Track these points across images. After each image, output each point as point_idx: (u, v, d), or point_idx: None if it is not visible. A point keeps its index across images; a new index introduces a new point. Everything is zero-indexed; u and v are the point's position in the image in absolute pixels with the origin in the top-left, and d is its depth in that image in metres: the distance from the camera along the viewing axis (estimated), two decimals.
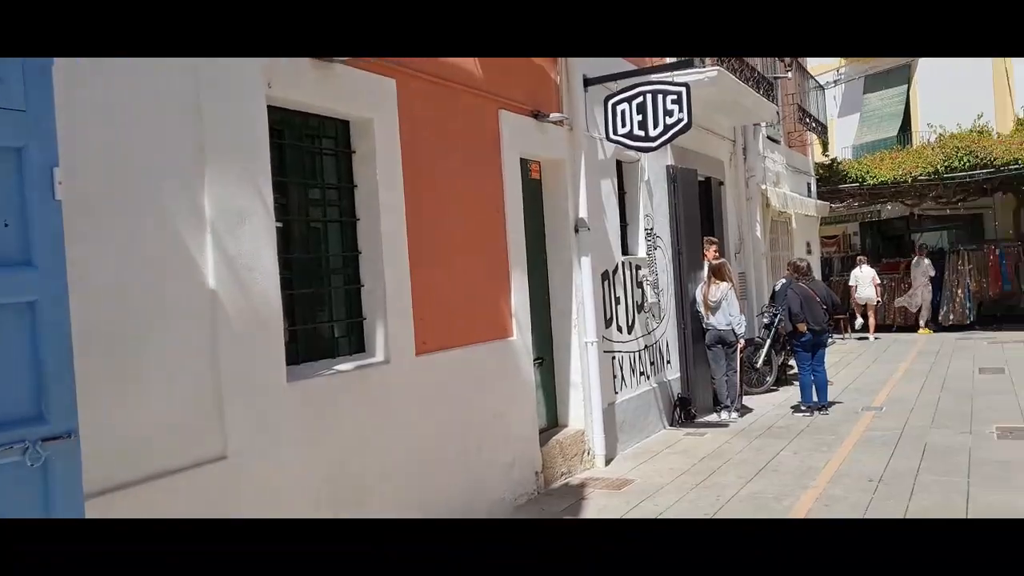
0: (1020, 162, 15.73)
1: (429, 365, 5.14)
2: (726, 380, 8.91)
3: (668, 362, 8.84)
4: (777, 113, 13.52)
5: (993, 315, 18.49)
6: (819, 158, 18.91)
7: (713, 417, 8.95)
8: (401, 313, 4.93)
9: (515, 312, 6.07)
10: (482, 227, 5.84)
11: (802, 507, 5.56)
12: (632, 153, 8.17)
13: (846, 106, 22.31)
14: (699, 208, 9.84)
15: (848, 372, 12.21)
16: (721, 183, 10.95)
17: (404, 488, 4.85)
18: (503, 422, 5.85)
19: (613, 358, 7.62)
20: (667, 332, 8.85)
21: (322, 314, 4.74)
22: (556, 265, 7.07)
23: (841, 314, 17.94)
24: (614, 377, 7.60)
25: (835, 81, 21.65)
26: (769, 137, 13.37)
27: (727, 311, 8.85)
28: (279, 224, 4.30)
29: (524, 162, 6.69)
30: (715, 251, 9.38)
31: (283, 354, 4.06)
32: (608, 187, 7.73)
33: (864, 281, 16.58)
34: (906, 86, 20.91)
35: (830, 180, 17.74)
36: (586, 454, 6.96)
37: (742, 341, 9.01)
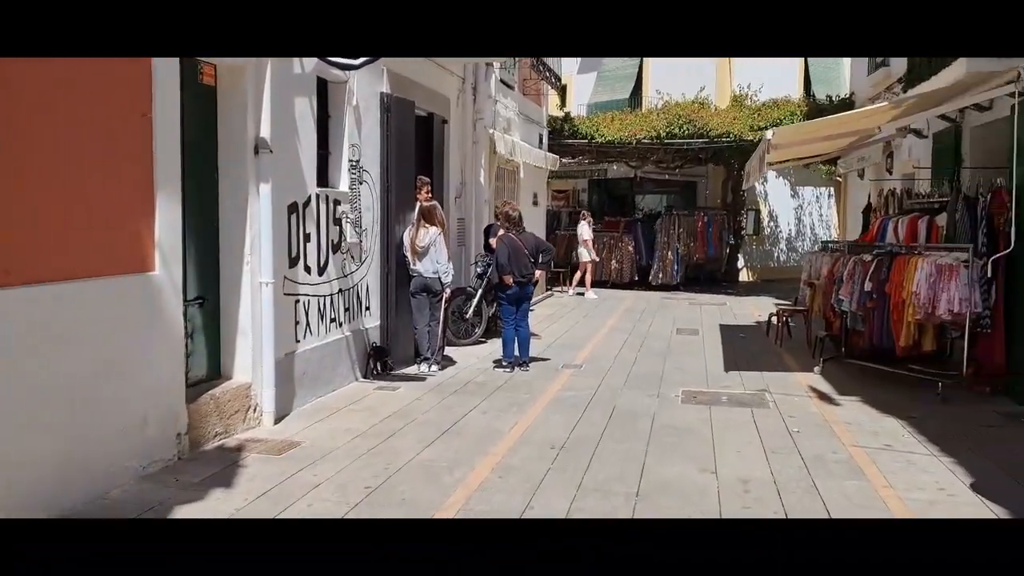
0: (732, 135, 16.66)
1: (15, 301, 3.96)
2: (428, 331, 8.35)
3: (367, 309, 8.09)
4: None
5: (697, 277, 19.78)
6: (556, 112, 18.98)
7: (412, 369, 8.38)
8: None
9: (160, 242, 4.96)
10: (117, 132, 4.65)
11: (474, 479, 5.06)
12: (338, 72, 7.24)
13: (586, 64, 22.62)
14: (416, 145, 9.13)
15: (559, 327, 12.23)
16: (445, 121, 10.27)
17: None
18: (133, 374, 4.77)
19: (297, 302, 6.72)
20: (368, 276, 8.08)
21: None
22: (229, 190, 6.00)
23: (562, 268, 18.34)
24: (296, 323, 6.72)
25: None
26: (502, 81, 12.91)
27: (435, 258, 8.26)
28: None
29: (193, 62, 5.54)
30: (428, 192, 8.73)
31: None
32: (305, 107, 6.74)
33: (579, 238, 16.89)
34: None
35: (562, 134, 17.82)
36: (252, 411, 6.05)
37: (448, 291, 8.46)
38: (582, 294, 16.66)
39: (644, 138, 17.29)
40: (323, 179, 7.30)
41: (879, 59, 13.25)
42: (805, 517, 4.51)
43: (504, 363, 8.63)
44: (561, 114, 18.81)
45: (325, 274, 7.19)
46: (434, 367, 8.32)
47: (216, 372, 6.04)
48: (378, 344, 8.14)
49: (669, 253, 18.68)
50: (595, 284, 17.36)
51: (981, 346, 7.52)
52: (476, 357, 9.31)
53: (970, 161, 9.12)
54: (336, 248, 7.38)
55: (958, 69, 7.53)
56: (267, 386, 6.12)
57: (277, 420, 6.22)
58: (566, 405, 7.11)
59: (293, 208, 6.61)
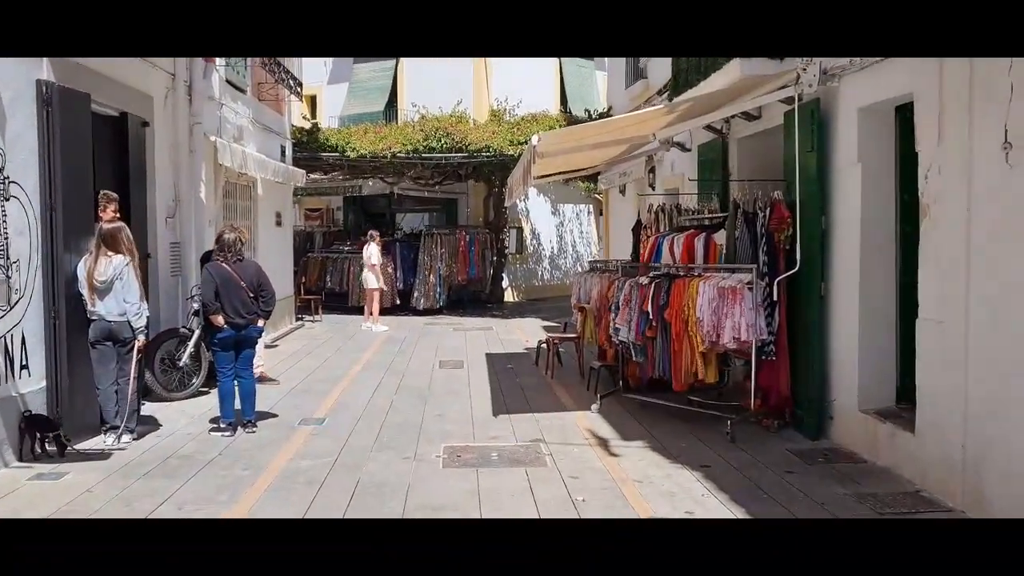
0: (492, 150, 15.77)
1: None
2: (115, 391, 6.40)
3: (23, 367, 6.01)
4: None
5: (461, 300, 18.71)
6: (303, 123, 17.22)
7: (98, 442, 6.39)
8: None
9: None
10: None
11: None
12: None
13: (336, 74, 20.98)
14: (105, 151, 7.23)
15: (305, 365, 10.52)
16: (146, 124, 8.31)
17: None
18: None
19: None
20: (24, 323, 6.01)
21: None
22: None
23: (314, 294, 16.61)
24: None
25: None
26: (229, 82, 11.03)
27: (121, 295, 6.35)
28: None
29: None
30: (114, 211, 6.79)
31: None
32: None
33: (367, 262, 15.03)
34: (394, 62, 20.19)
35: (309, 147, 16.09)
36: None
37: (141, 338, 6.53)
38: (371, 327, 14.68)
39: (400, 152, 15.97)
40: None
41: (640, 64, 12.82)
42: None
43: (223, 424, 6.86)
44: (308, 125, 17.05)
45: None
46: (125, 437, 6.39)
47: None
48: (37, 414, 6.07)
49: (431, 275, 17.46)
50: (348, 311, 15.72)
51: (765, 375, 6.83)
52: (190, 416, 7.45)
53: (738, 174, 8.60)
54: None
55: (732, 72, 6.84)
56: None
57: None
58: (297, 483, 5.52)
59: None
